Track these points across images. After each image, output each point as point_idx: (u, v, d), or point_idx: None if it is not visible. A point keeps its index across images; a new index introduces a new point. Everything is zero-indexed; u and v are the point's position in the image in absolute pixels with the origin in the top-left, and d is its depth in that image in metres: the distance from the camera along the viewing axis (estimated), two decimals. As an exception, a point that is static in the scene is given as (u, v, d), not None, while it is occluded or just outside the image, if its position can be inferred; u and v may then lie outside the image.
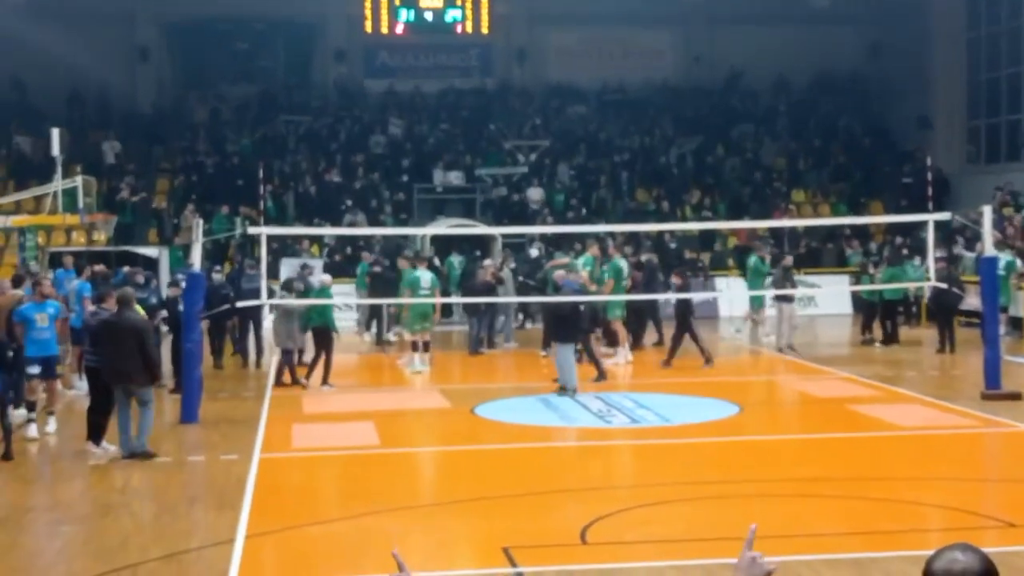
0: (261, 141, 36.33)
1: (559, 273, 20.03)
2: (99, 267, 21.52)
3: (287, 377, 19.47)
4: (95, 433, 13.95)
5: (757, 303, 24.81)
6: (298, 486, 12.63)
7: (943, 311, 22.71)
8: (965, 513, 10.96)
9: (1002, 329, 20.17)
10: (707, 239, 33.28)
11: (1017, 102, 34.30)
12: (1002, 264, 24.16)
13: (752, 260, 25.30)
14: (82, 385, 17.97)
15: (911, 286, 24.40)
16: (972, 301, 23.32)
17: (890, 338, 24.12)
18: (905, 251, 27.50)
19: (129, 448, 13.72)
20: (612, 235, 26.78)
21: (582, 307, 18.34)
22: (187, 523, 10.95)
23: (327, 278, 21.20)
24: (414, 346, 21.34)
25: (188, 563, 9.59)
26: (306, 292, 21.59)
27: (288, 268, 26.12)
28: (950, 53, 36.71)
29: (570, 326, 18.12)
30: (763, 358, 23.52)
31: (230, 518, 10.86)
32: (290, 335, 19.64)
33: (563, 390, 17.68)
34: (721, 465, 13.36)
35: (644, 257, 25.22)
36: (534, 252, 28.78)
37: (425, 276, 21.34)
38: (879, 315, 24.44)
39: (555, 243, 29.74)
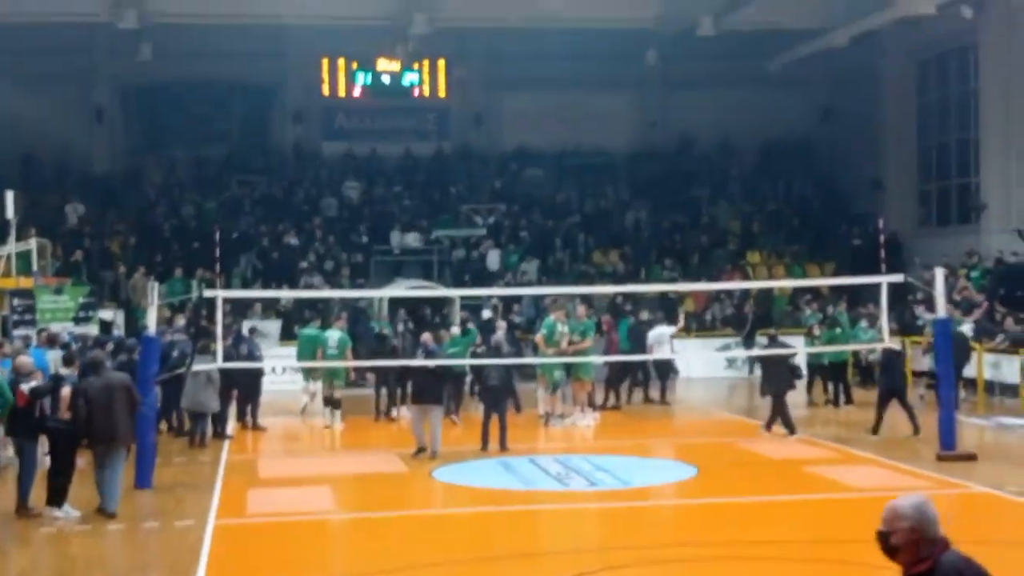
0: (218, 203, 36.24)
1: (426, 336, 20.03)
2: (54, 330, 21.27)
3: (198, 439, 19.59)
4: (57, 496, 13.87)
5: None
6: (253, 553, 12.48)
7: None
8: None
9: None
10: (665, 302, 33.44)
11: (966, 166, 34.84)
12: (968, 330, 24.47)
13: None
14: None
15: (858, 348, 24.44)
16: (927, 361, 23.55)
17: (838, 400, 24.33)
18: (839, 312, 27.67)
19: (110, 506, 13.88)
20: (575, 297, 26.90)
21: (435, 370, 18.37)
22: (141, 591, 10.78)
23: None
24: (325, 401, 22.31)
25: (142, 633, 9.44)
26: (250, 355, 21.40)
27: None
28: (901, 117, 37.28)
29: (422, 388, 18.21)
30: (718, 419, 23.60)
31: (185, 586, 10.71)
32: (206, 399, 19.54)
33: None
34: (680, 527, 13.36)
35: (645, 316, 26.25)
36: (487, 314, 28.81)
37: (334, 336, 22.17)
38: (822, 377, 24.81)
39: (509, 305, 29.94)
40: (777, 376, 20.20)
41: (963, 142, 34.99)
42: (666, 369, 26.29)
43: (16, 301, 24.10)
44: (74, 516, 13.81)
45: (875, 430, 19.51)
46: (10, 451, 16.53)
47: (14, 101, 34.17)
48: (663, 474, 16.68)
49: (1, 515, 13.96)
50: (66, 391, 14.01)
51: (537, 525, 14.10)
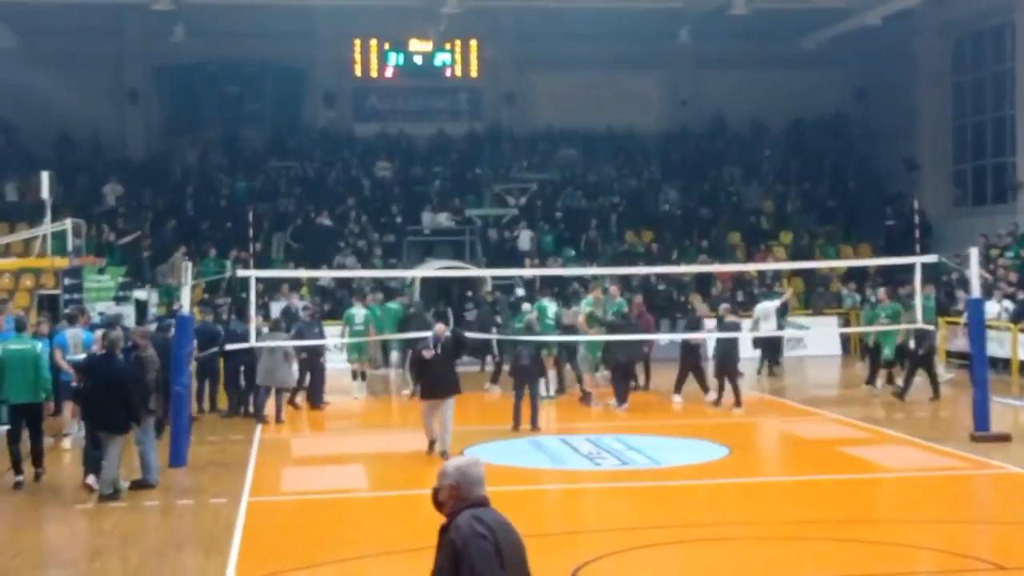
0: (251, 184, 36.39)
1: (439, 327, 19.09)
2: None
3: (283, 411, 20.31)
4: (97, 466, 14.17)
5: None
6: (287, 530, 12.57)
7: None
8: (955, 556, 10.97)
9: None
10: (699, 281, 33.31)
11: (1002, 145, 34.53)
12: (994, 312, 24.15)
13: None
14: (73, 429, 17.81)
15: (894, 328, 24.19)
16: (960, 343, 23.37)
17: (871, 381, 24.05)
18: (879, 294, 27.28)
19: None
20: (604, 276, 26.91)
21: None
22: (175, 568, 10.89)
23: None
24: (353, 375, 23.50)
25: (177, 608, 9.54)
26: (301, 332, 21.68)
27: (278, 311, 26.03)
28: (935, 96, 36.97)
29: (441, 381, 16.79)
30: (749, 399, 23.52)
31: (218, 563, 10.82)
32: (284, 375, 20.06)
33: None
34: (712, 507, 13.35)
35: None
36: (520, 292, 28.91)
37: (360, 313, 23.20)
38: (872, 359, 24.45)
39: (534, 285, 29.85)
40: (620, 351, 21.15)
41: (999, 121, 34.69)
42: (774, 343, 25.99)
43: (67, 280, 24.32)
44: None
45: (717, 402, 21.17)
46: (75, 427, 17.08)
47: (49, 83, 34.37)
48: (695, 454, 16.66)
49: (47, 490, 14.09)
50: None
51: (568, 504, 14.13)
